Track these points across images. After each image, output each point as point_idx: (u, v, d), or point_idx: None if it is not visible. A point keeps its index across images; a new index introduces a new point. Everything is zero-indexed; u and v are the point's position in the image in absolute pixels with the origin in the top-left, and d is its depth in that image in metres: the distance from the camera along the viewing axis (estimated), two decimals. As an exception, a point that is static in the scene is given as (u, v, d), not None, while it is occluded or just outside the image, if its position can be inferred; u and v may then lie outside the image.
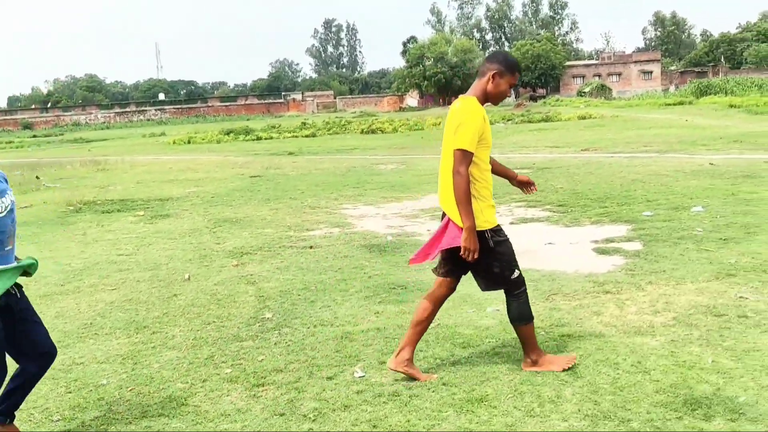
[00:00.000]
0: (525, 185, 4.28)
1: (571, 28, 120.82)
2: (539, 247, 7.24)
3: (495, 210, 3.90)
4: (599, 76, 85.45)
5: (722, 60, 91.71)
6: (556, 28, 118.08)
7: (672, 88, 76.42)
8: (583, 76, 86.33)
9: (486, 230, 3.75)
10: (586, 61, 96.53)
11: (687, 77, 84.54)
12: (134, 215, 11.08)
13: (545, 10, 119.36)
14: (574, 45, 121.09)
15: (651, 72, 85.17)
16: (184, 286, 6.42)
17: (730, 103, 35.17)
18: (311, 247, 7.86)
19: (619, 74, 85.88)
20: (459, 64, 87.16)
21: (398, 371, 3.92)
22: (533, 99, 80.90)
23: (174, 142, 35.21)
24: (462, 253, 3.68)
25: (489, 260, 3.77)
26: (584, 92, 73.93)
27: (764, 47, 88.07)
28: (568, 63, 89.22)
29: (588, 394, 3.61)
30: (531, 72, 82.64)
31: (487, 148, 3.81)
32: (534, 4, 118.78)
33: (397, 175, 15.07)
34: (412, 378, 3.90)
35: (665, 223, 7.84)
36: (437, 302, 3.96)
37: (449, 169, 3.70)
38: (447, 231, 3.79)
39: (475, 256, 3.67)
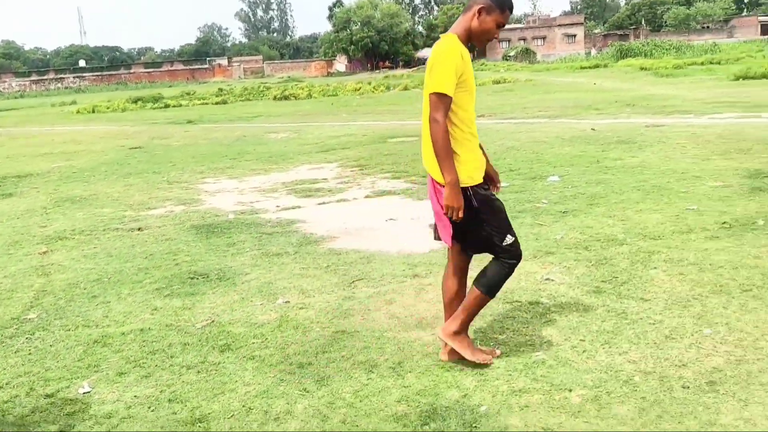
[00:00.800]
0: (492, 180, 3.53)
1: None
2: (380, 223, 6.78)
3: (481, 165, 3.36)
4: (524, 39, 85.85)
5: (643, 23, 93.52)
6: None
7: (594, 52, 77.62)
8: (509, 40, 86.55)
9: (468, 187, 3.21)
10: (512, 26, 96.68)
11: (609, 40, 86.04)
12: (-26, 195, 10.12)
13: None
14: None
15: (575, 35, 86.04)
16: (-34, 279, 5.70)
17: (641, 66, 35.60)
18: (139, 229, 7.20)
19: (544, 38, 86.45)
20: (386, 28, 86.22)
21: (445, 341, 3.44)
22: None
23: (78, 112, 33.34)
24: (445, 212, 3.19)
25: (475, 222, 3.25)
26: (509, 56, 74.31)
27: (683, 10, 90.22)
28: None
29: (323, 406, 3.16)
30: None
31: (468, 93, 3.24)
32: None
33: (282, 144, 14.41)
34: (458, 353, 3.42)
35: (515, 194, 7.48)
36: (456, 274, 3.53)
37: (427, 119, 3.18)
38: (434, 195, 3.30)
39: (460, 215, 3.15)
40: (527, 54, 73.70)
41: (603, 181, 7.81)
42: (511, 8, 3.24)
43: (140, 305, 4.77)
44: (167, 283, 5.22)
